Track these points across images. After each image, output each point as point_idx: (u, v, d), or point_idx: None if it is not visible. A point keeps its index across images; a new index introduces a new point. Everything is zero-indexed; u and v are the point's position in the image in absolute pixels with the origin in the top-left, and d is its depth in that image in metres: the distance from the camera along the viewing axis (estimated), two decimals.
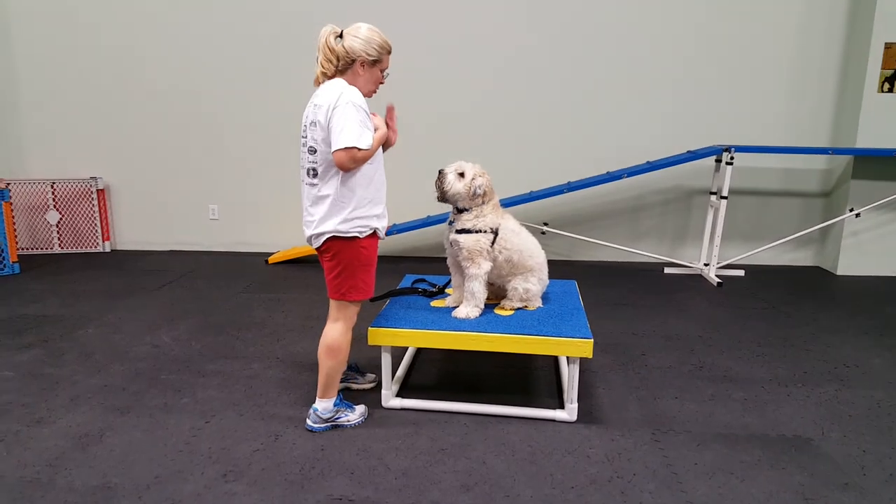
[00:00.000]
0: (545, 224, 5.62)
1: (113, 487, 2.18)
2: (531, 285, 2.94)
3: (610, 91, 5.57)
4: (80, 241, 5.94)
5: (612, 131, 5.64)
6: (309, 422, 2.60)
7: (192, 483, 2.21)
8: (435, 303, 3.05)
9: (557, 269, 5.33)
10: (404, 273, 4.41)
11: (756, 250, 5.47)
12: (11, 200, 5.75)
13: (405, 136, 5.80)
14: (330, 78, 2.38)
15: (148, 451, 2.43)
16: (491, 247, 2.82)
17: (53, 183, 5.81)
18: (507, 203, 5.18)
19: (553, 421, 2.71)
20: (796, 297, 4.70)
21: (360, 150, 2.27)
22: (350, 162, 2.28)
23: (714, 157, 5.34)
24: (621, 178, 5.24)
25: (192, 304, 4.32)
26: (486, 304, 2.92)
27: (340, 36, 2.36)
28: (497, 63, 5.56)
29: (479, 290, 2.83)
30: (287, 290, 4.68)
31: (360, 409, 2.71)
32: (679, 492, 2.20)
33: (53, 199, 5.83)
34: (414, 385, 3.05)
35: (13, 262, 5.10)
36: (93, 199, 5.88)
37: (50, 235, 5.90)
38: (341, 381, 2.80)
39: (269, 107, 5.70)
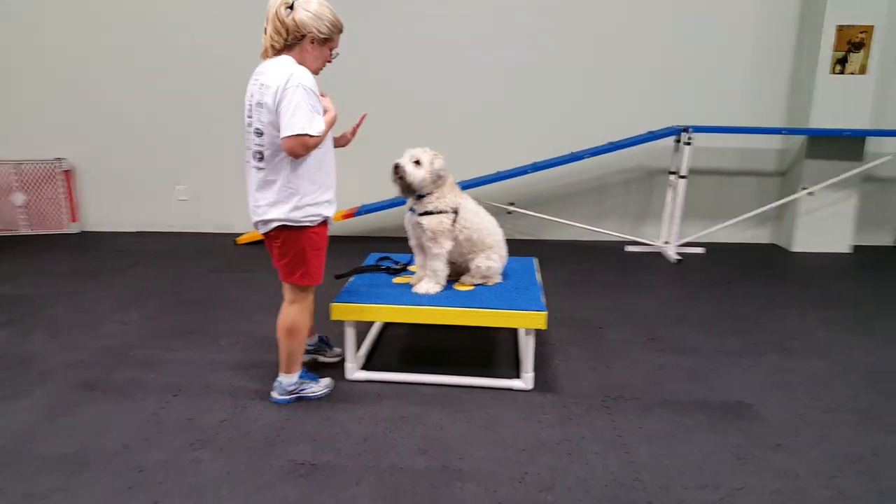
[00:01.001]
0: (511, 204, 5.72)
1: (84, 456, 2.26)
2: (493, 262, 3.05)
3: (573, 73, 5.67)
4: (48, 222, 5.91)
5: (575, 113, 5.75)
6: (274, 394, 2.67)
7: (160, 451, 2.30)
8: (398, 279, 3.15)
9: (523, 247, 5.47)
10: (370, 252, 4.49)
11: (714, 228, 5.65)
12: None
13: (374, 116, 5.84)
14: (278, 52, 2.29)
15: (117, 422, 2.51)
16: (452, 226, 2.92)
17: (20, 163, 5.76)
18: (473, 184, 5.29)
19: (510, 390, 2.84)
20: (751, 273, 4.89)
21: (311, 136, 2.20)
22: (301, 149, 2.22)
23: (674, 138, 5.48)
24: (583, 158, 5.37)
25: (161, 283, 4.36)
26: (447, 282, 3.02)
27: (291, 7, 2.25)
28: (460, 45, 5.62)
29: (440, 268, 2.94)
30: (256, 269, 4.74)
31: (325, 381, 2.78)
32: (623, 453, 2.35)
33: (19, 181, 5.79)
34: (379, 359, 3.16)
35: None
36: (59, 180, 5.85)
37: (16, 216, 5.86)
38: (310, 353, 2.87)
39: (236, 86, 5.69)
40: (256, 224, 2.46)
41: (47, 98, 5.76)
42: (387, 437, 2.42)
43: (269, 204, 2.35)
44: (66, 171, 5.86)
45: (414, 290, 2.94)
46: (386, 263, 3.37)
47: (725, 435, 2.49)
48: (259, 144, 2.31)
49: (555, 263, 5.00)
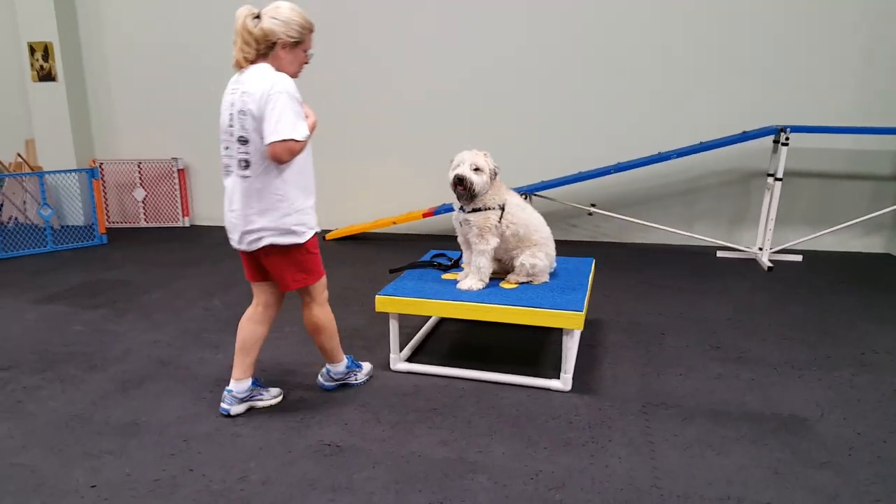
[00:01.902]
0: (592, 205, 5.63)
1: (140, 424, 2.52)
2: (538, 260, 3.04)
3: (662, 69, 5.47)
4: (163, 216, 6.52)
5: (663, 111, 5.55)
6: (321, 380, 2.82)
7: (206, 425, 2.52)
8: (447, 276, 3.21)
9: (606, 250, 5.37)
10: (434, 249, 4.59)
11: (815, 235, 5.25)
12: (104, 178, 6.41)
13: (451, 115, 5.94)
14: (251, 62, 2.27)
15: (176, 396, 2.76)
16: (498, 222, 2.95)
17: (140, 163, 6.41)
18: (553, 184, 5.25)
19: (548, 390, 2.82)
20: (849, 283, 4.50)
21: (296, 141, 2.19)
22: (286, 154, 2.19)
23: (772, 138, 5.15)
24: (671, 158, 5.17)
25: None
26: (493, 280, 3.05)
27: (258, 17, 2.25)
28: (543, 39, 5.58)
29: (484, 265, 2.97)
30: (336, 264, 4.97)
31: (367, 367, 2.93)
32: (649, 458, 2.28)
33: (140, 178, 6.43)
34: (426, 353, 3.24)
35: (101, 234, 5.70)
36: (174, 178, 6.43)
37: (137, 210, 6.52)
38: (244, 402, 2.60)
39: (329, 92, 6.01)
40: (241, 237, 2.38)
41: (166, 105, 6.36)
42: (414, 427, 2.50)
43: (257, 213, 2.30)
44: (180, 170, 6.43)
45: (458, 286, 3.00)
46: (440, 260, 3.45)
47: (768, 449, 2.34)
48: (245, 152, 2.27)
49: (635, 267, 4.87)
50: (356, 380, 2.85)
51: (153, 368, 3.05)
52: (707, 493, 2.08)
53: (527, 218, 3.02)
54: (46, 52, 6.05)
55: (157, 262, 5.09)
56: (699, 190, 5.70)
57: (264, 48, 2.26)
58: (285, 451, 2.34)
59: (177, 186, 6.46)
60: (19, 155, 6.25)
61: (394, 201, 6.04)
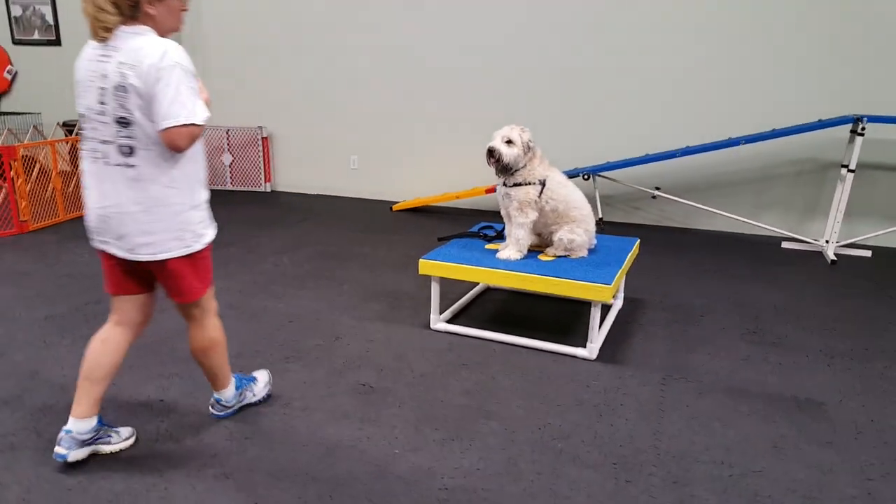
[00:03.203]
0: (657, 188, 5.64)
1: None
2: (575, 236, 3.20)
3: (738, 50, 5.37)
4: (247, 180, 7.03)
5: (733, 94, 5.46)
6: (214, 412, 2.40)
7: (262, 360, 2.87)
8: (490, 246, 3.42)
9: (667, 235, 5.40)
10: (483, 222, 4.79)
11: (888, 230, 5.07)
12: None
13: (519, 92, 6.07)
14: (109, 30, 1.82)
15: (241, 335, 3.13)
16: (538, 197, 3.12)
17: (228, 130, 6.92)
18: (616, 166, 5.31)
19: (573, 357, 2.99)
20: None
21: (197, 125, 1.84)
22: (186, 140, 1.83)
23: (849, 128, 4.99)
24: (740, 144, 5.12)
25: (317, 237, 5.07)
26: (533, 252, 3.23)
27: None
28: (617, 15, 5.60)
29: (522, 237, 3.16)
30: (399, 232, 5.27)
31: (262, 376, 2.54)
32: (655, 423, 2.43)
33: (228, 144, 6.95)
34: (468, 316, 3.46)
35: None
36: (258, 145, 6.91)
37: (225, 174, 7.05)
38: (88, 445, 2.13)
39: (399, 64, 6.27)
40: (122, 240, 1.96)
41: (254, 75, 6.83)
42: (442, 378, 2.74)
43: (144, 210, 1.91)
44: (264, 138, 6.90)
45: (497, 256, 3.20)
46: (486, 231, 3.65)
47: (776, 426, 2.43)
48: (128, 137, 1.86)
49: (693, 252, 4.89)
50: (254, 395, 2.48)
51: (223, 310, 3.44)
52: (702, 457, 2.21)
53: (567, 194, 3.17)
54: None
55: (238, 220, 5.55)
56: (770, 178, 5.59)
57: (127, 9, 1.81)
58: (326, 386, 2.64)
59: (260, 153, 6.93)
60: None
61: (460, 176, 6.26)
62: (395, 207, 6.24)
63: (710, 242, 5.28)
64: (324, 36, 6.50)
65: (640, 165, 5.44)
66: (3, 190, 5.34)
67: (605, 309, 3.55)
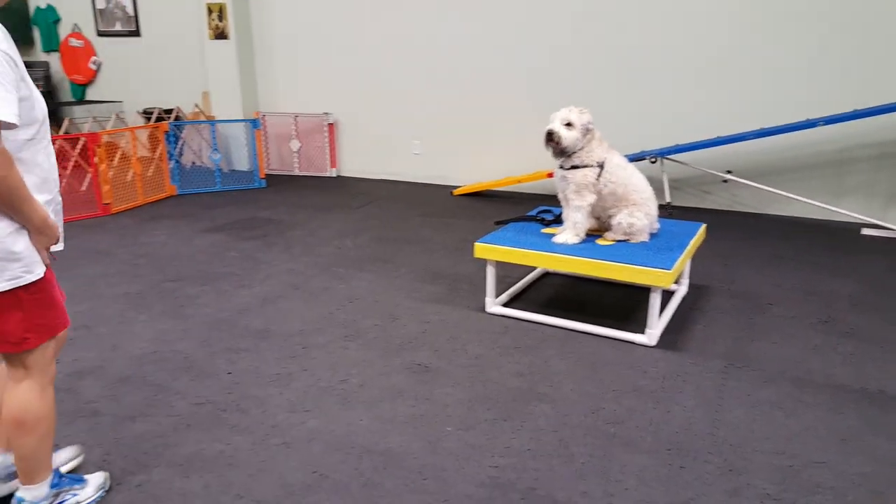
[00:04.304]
0: (728, 172, 5.44)
1: (270, 331, 3.02)
2: (635, 220, 3.13)
3: (815, 28, 5.10)
4: (313, 165, 7.21)
5: (814, 73, 5.19)
6: None
7: (323, 337, 2.97)
8: (547, 230, 3.40)
9: (739, 220, 5.22)
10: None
11: None
12: (265, 129, 7.18)
13: (582, 74, 5.98)
14: None
15: (303, 314, 3.24)
16: (596, 180, 3.08)
17: (296, 116, 7.10)
18: (685, 148, 5.17)
19: (632, 343, 2.95)
20: None
21: (8, 123, 1.45)
22: None
23: None
24: (818, 125, 4.88)
25: (378, 221, 5.16)
26: (592, 236, 3.19)
27: None
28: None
29: (580, 220, 3.13)
30: (457, 216, 5.30)
31: (96, 479, 1.93)
32: (713, 411, 2.38)
33: (296, 130, 7.14)
34: (525, 300, 3.47)
35: (261, 178, 6.48)
36: (325, 131, 7.07)
37: (292, 159, 7.26)
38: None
39: (461, 48, 6.27)
40: None
41: (322, 63, 6.98)
42: (496, 359, 2.77)
43: None
44: (330, 125, 7.05)
45: (553, 239, 3.18)
46: (544, 215, 3.63)
47: (842, 417, 2.34)
48: None
49: (766, 238, 4.71)
50: (78, 501, 1.85)
51: (287, 290, 3.57)
52: (762, 447, 2.15)
53: (626, 177, 3.11)
54: (221, 12, 6.86)
55: (303, 205, 5.71)
56: (851, 162, 5.30)
57: None
58: (383, 364, 2.71)
59: (327, 139, 7.08)
60: (197, 105, 7.19)
61: (522, 160, 6.22)
62: (455, 192, 6.26)
63: (783, 228, 5.06)
64: (388, 25, 6.56)
65: (711, 148, 5.26)
66: (88, 175, 5.68)
67: (667, 295, 3.47)
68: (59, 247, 1.72)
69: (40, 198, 1.60)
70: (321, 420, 2.32)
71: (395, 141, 6.88)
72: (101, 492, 1.92)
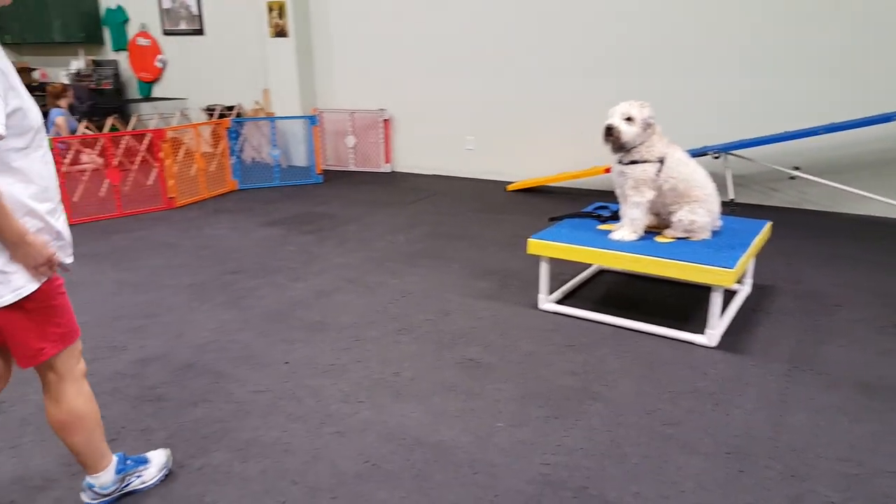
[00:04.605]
0: (796, 168, 5.23)
1: (325, 324, 3.08)
2: (697, 217, 3.05)
3: (890, 17, 4.84)
4: (368, 161, 7.30)
5: (886, 65, 4.93)
6: (86, 499, 1.89)
7: (376, 331, 3.00)
8: (603, 226, 3.34)
9: (807, 219, 5.02)
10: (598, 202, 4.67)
11: None
12: (322, 125, 7.31)
13: (642, 69, 5.85)
14: None
15: (357, 307, 3.29)
16: (656, 175, 3.01)
17: (353, 113, 7.20)
18: (751, 143, 5.01)
19: (691, 343, 2.88)
20: None
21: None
22: None
23: None
24: (893, 120, 4.65)
25: (431, 216, 5.19)
26: (651, 233, 3.12)
27: None
28: None
29: (638, 217, 3.06)
30: (510, 212, 5.27)
31: (159, 457, 2.02)
32: (777, 415, 2.29)
33: (352, 126, 7.24)
34: (579, 297, 3.42)
35: (318, 174, 6.59)
36: (380, 127, 7.14)
37: (347, 155, 7.36)
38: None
39: (517, 49, 6.22)
40: None
41: (377, 60, 7.05)
42: (548, 357, 2.74)
43: None
44: (385, 121, 7.11)
45: (610, 236, 3.12)
46: (600, 211, 3.57)
47: None
48: None
49: (835, 238, 4.51)
50: (143, 482, 1.96)
51: (341, 284, 3.62)
52: (825, 452, 2.07)
53: (688, 173, 3.03)
54: (281, 10, 7.01)
55: (358, 200, 5.79)
56: None
57: None
58: (435, 359, 2.73)
59: (382, 135, 7.16)
60: (257, 102, 7.37)
61: (577, 155, 6.13)
62: (509, 188, 6.23)
63: (854, 227, 4.83)
64: (442, 22, 6.58)
65: (778, 143, 5.06)
66: (155, 170, 5.91)
67: (729, 295, 3.36)
68: (69, 259, 1.69)
69: (43, 207, 1.58)
70: (374, 411, 2.35)
71: (448, 137, 6.89)
72: (164, 471, 2.01)
